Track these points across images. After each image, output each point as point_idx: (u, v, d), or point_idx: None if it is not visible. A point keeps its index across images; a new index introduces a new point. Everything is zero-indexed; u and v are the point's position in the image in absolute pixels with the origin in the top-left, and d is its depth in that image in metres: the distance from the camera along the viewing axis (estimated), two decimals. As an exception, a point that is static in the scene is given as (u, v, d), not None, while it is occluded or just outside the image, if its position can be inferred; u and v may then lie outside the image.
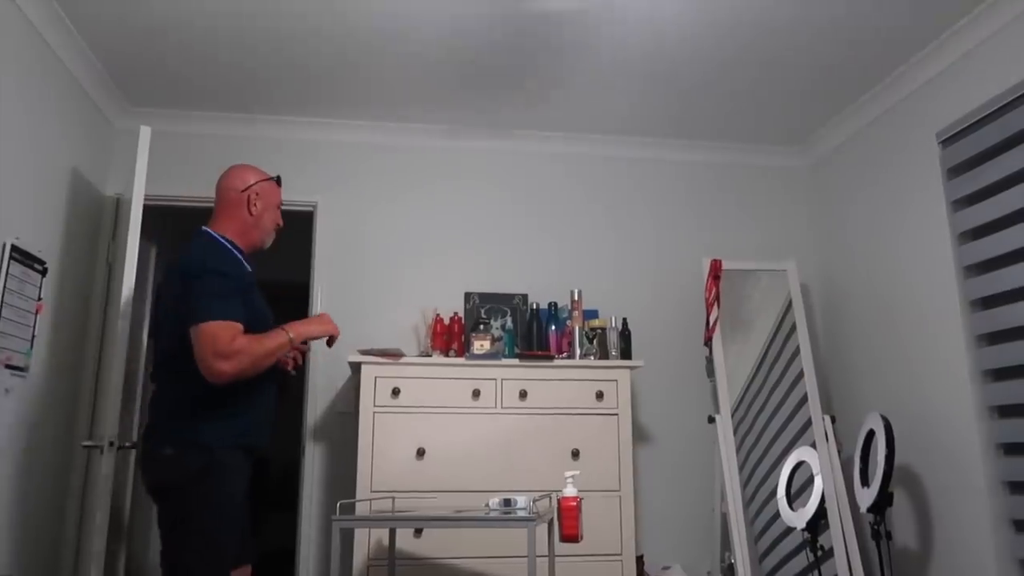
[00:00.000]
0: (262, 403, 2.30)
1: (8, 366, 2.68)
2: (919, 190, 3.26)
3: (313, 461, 3.54)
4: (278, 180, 2.49)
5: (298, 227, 3.70)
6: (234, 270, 2.25)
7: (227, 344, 2.08)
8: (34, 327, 2.84)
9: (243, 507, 2.24)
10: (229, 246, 2.32)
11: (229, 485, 2.16)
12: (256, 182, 2.40)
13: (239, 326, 2.13)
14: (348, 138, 3.88)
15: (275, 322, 2.33)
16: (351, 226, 3.80)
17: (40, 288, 2.89)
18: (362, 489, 3.01)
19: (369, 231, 3.80)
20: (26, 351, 2.80)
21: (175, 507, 2.13)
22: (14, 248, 2.68)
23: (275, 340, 2.22)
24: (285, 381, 2.46)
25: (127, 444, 2.91)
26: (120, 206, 3.47)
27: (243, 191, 2.37)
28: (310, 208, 3.77)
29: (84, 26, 2.97)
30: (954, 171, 3.06)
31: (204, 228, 2.35)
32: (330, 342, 2.45)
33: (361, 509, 2.83)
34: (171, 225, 4.12)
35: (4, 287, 2.62)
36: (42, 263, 2.90)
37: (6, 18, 2.63)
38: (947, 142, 3.08)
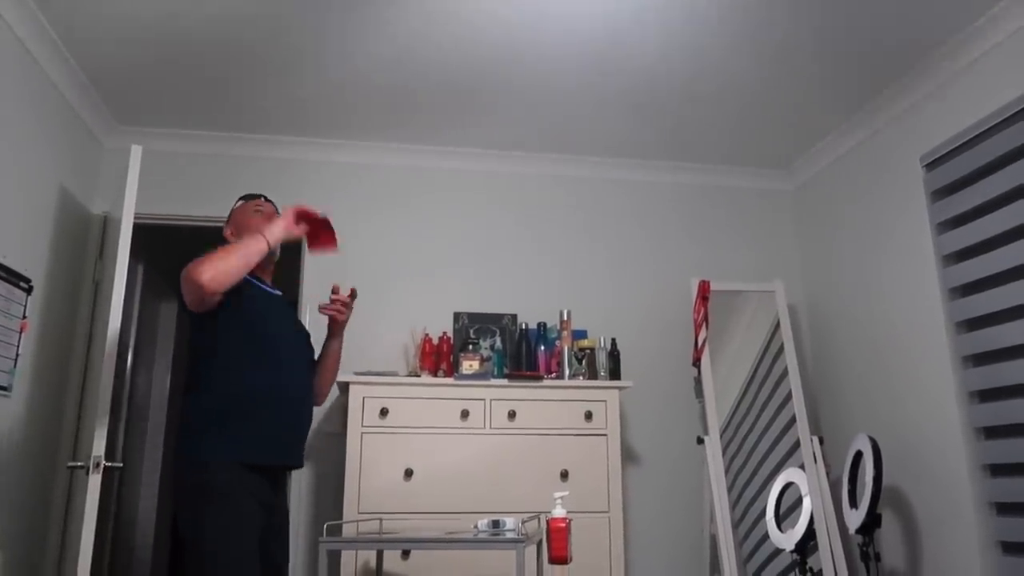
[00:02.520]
0: (272, 413, 2.21)
1: (-9, 385, 2.65)
2: (904, 213, 3.30)
3: (300, 482, 3.50)
4: (243, 198, 2.55)
5: (287, 247, 3.68)
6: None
7: (197, 261, 2.11)
8: (18, 346, 2.82)
9: (258, 533, 2.13)
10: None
11: (232, 506, 2.08)
12: (227, 221, 2.51)
13: None
14: (336, 158, 3.89)
15: (290, 340, 2.36)
16: (340, 245, 3.78)
17: (25, 306, 2.86)
18: (349, 510, 2.99)
19: (358, 251, 3.79)
20: (10, 370, 2.77)
21: (182, 529, 2.11)
22: None
23: (246, 243, 2.20)
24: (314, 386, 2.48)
25: (112, 464, 2.87)
26: (107, 224, 3.45)
27: (225, 235, 2.47)
28: (299, 227, 3.76)
29: (73, 44, 2.98)
30: (938, 194, 3.10)
31: None
32: (310, 216, 2.37)
33: (348, 531, 2.81)
34: (158, 244, 4.11)
35: (-11, 305, 2.60)
36: (27, 281, 2.88)
37: (-4, 36, 2.62)
38: (931, 165, 3.12)
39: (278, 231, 2.28)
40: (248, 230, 2.37)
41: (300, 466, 2.35)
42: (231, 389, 2.18)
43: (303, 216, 2.36)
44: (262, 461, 2.19)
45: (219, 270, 2.09)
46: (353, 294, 2.53)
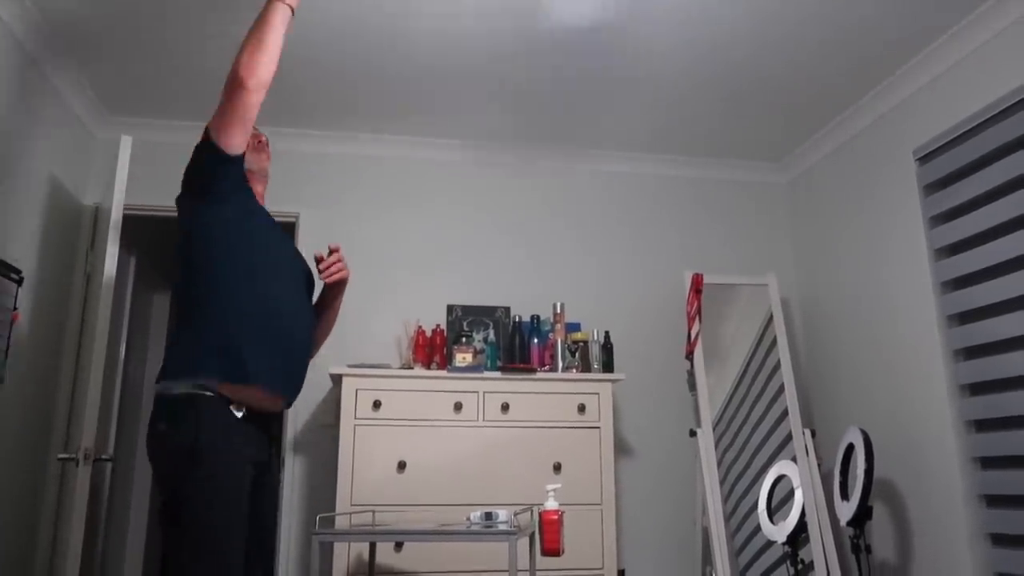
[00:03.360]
0: (283, 341, 2.04)
1: (-18, 377, 2.64)
2: (897, 206, 3.31)
3: (293, 474, 3.50)
4: None
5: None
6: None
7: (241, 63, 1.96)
8: (8, 337, 2.80)
9: (245, 489, 1.93)
10: None
11: (223, 466, 1.88)
12: None
13: None
14: (331, 149, 3.87)
15: (292, 269, 2.21)
16: (333, 238, 3.77)
17: (16, 297, 2.84)
18: (342, 503, 2.99)
19: (351, 243, 3.78)
20: (1, 361, 2.75)
21: (166, 496, 1.90)
22: (-10, 257, 2.65)
23: (267, 14, 2.02)
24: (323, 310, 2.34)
25: (103, 456, 2.86)
26: (99, 215, 3.44)
27: None
28: (292, 219, 3.75)
29: (64, 33, 2.95)
30: (931, 188, 3.10)
31: None
32: None
33: (341, 523, 2.80)
34: (151, 235, 4.09)
35: (-21, 296, 2.58)
36: (18, 272, 2.86)
37: (-14, 25, 2.60)
38: (924, 159, 3.13)
39: None
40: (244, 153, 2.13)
41: (291, 402, 2.19)
42: (227, 318, 1.97)
43: None
44: (273, 389, 2.02)
45: (258, 53, 1.96)
46: (332, 250, 2.35)
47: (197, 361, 1.95)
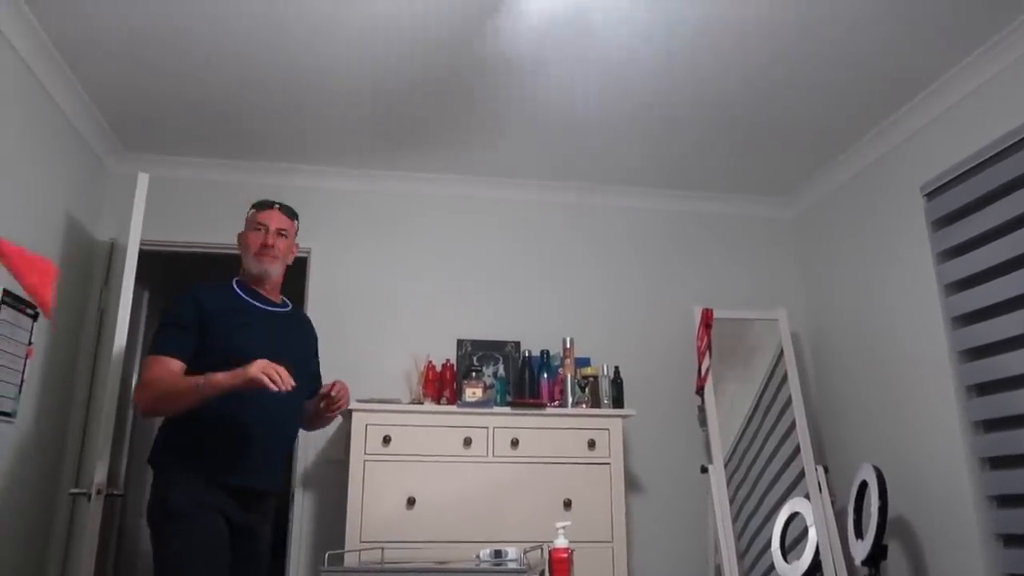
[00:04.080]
0: (247, 436, 2.24)
1: (-4, 412, 2.66)
2: (905, 241, 3.31)
3: (302, 510, 3.49)
4: (255, 206, 2.55)
5: (291, 273, 3.70)
6: (192, 320, 2.28)
7: (146, 374, 2.21)
8: (23, 372, 2.83)
9: (224, 549, 2.17)
10: (231, 284, 2.43)
11: (194, 526, 2.13)
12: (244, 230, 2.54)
13: (172, 362, 2.21)
14: (341, 185, 3.92)
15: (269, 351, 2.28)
16: (344, 272, 3.81)
17: (31, 333, 2.87)
18: (351, 539, 2.97)
19: (362, 277, 3.81)
20: (15, 396, 2.78)
21: (154, 548, 2.16)
22: (5, 292, 2.68)
23: (185, 383, 2.17)
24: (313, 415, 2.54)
25: (114, 492, 2.87)
26: (114, 251, 3.48)
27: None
28: (303, 254, 3.78)
29: (81, 70, 3.02)
30: (939, 223, 3.11)
31: None
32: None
33: (350, 560, 2.78)
34: (163, 270, 4.13)
35: (-5, 332, 2.62)
36: (33, 308, 2.90)
37: (2, 61, 2.66)
38: (931, 195, 3.14)
39: (217, 383, 2.12)
40: (245, 249, 2.47)
41: (275, 490, 2.37)
42: (198, 416, 2.19)
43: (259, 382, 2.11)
44: (224, 481, 2.20)
45: (147, 400, 2.20)
46: (325, 394, 2.47)
47: (167, 458, 2.24)
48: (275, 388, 2.06)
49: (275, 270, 2.48)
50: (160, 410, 2.23)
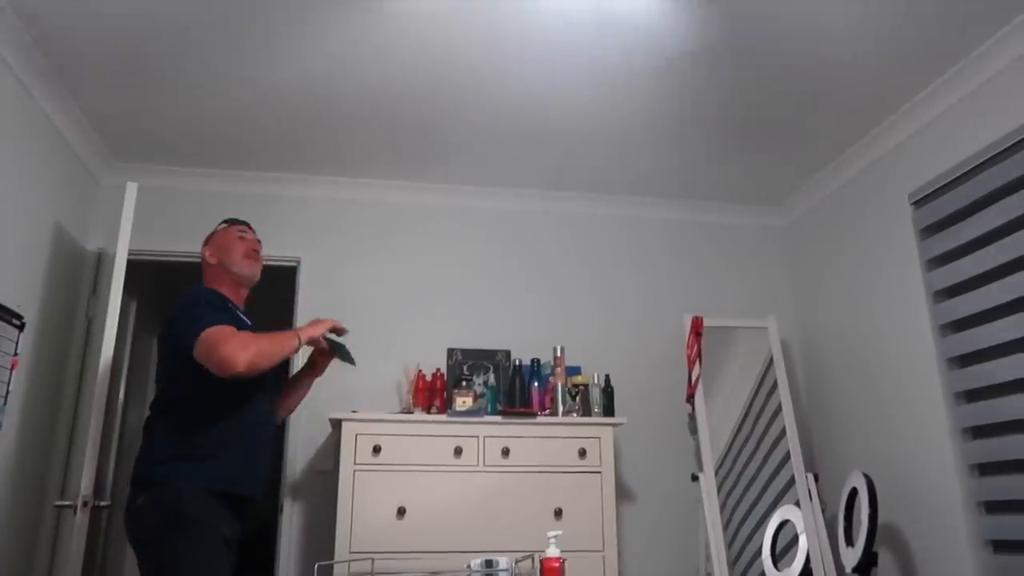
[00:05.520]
0: (245, 445, 2.23)
1: (-19, 423, 2.63)
2: (893, 249, 3.33)
3: (291, 520, 3.46)
4: (227, 221, 2.54)
5: (281, 282, 3.70)
6: (223, 305, 2.28)
7: (234, 336, 2.10)
8: (8, 383, 2.80)
9: (227, 561, 2.15)
10: (221, 293, 2.38)
11: (208, 536, 2.09)
12: (206, 242, 2.49)
13: (233, 328, 2.15)
14: (331, 194, 3.91)
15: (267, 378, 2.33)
16: (334, 282, 3.80)
17: (17, 343, 2.85)
18: (341, 550, 2.95)
19: (352, 287, 3.80)
20: None
21: (150, 561, 2.08)
22: (-8, 303, 2.66)
23: (284, 339, 2.22)
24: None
25: (101, 503, 2.84)
26: (102, 261, 3.46)
27: (203, 255, 2.46)
28: (293, 264, 3.77)
29: (70, 81, 3.00)
30: (927, 231, 3.13)
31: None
32: (339, 331, 2.47)
33: (340, 571, 2.77)
34: (152, 280, 4.10)
35: (-20, 342, 2.59)
36: (20, 318, 2.87)
37: (-5, 75, 2.65)
38: (919, 203, 3.16)
39: (311, 332, 2.35)
40: (228, 254, 2.41)
41: (261, 498, 2.35)
42: (203, 426, 2.18)
43: (334, 331, 2.45)
44: (235, 490, 2.19)
45: (255, 357, 2.10)
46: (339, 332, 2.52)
47: (173, 467, 2.15)
48: (347, 330, 2.44)
49: (259, 274, 2.49)
50: (259, 365, 2.12)
